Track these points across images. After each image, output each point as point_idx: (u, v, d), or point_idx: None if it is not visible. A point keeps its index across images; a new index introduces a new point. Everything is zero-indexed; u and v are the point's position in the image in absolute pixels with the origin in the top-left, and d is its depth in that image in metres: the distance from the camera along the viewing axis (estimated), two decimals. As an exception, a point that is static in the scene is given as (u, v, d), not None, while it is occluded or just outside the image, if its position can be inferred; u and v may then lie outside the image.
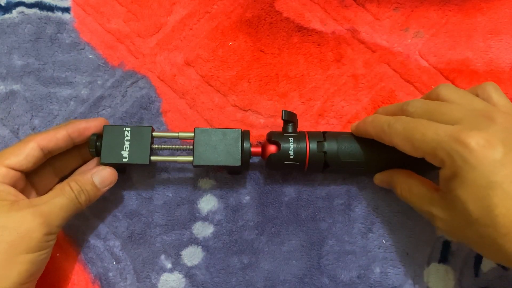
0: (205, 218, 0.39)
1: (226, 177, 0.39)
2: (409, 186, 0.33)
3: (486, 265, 0.38)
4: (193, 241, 0.38)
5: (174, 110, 0.41)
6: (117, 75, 0.41)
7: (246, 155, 0.35)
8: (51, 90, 0.41)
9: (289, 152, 0.35)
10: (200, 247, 0.38)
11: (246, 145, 0.35)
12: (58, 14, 0.42)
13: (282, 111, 0.36)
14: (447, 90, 0.33)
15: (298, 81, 0.41)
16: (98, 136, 0.35)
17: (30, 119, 0.40)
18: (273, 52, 0.42)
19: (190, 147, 0.36)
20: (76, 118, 0.40)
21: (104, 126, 0.35)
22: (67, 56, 0.42)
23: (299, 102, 0.41)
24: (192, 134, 0.36)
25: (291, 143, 0.35)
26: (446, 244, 0.38)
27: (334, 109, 0.41)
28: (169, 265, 0.38)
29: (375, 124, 0.34)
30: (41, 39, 0.42)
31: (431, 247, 0.38)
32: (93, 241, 0.38)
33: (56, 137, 0.33)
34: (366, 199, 0.39)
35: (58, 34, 0.42)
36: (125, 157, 0.34)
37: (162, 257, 0.38)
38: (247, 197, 0.39)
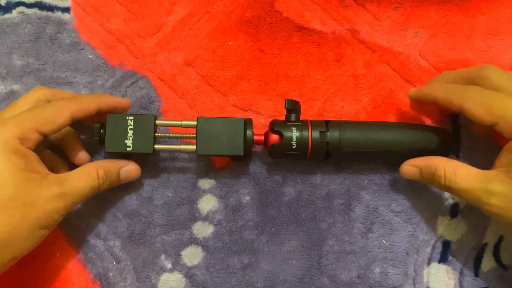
0: (205, 218, 0.39)
1: (226, 177, 0.39)
2: (454, 168, 0.33)
3: (486, 265, 0.38)
4: (193, 241, 0.38)
5: (174, 110, 0.41)
6: (117, 75, 0.41)
7: (248, 143, 0.35)
8: (51, 90, 0.41)
9: (292, 142, 0.35)
10: (200, 247, 0.38)
11: (248, 133, 0.35)
12: (58, 14, 0.42)
13: (286, 99, 0.35)
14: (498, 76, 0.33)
15: (298, 81, 0.41)
16: (102, 124, 0.35)
17: (30, 119, 0.40)
18: (273, 52, 0.42)
19: (193, 135, 0.36)
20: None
21: (107, 115, 0.35)
22: (67, 56, 0.42)
23: (299, 102, 0.41)
24: (195, 123, 0.36)
25: (293, 133, 0.35)
26: (446, 244, 0.38)
27: (334, 109, 0.41)
28: (169, 265, 0.38)
29: (445, 87, 0.34)
30: (41, 39, 0.42)
31: (431, 247, 0.38)
32: (93, 241, 0.38)
33: (89, 109, 0.34)
34: (366, 199, 0.39)
35: (58, 34, 0.42)
36: (129, 146, 0.35)
37: (162, 257, 0.38)
38: (247, 197, 0.39)
